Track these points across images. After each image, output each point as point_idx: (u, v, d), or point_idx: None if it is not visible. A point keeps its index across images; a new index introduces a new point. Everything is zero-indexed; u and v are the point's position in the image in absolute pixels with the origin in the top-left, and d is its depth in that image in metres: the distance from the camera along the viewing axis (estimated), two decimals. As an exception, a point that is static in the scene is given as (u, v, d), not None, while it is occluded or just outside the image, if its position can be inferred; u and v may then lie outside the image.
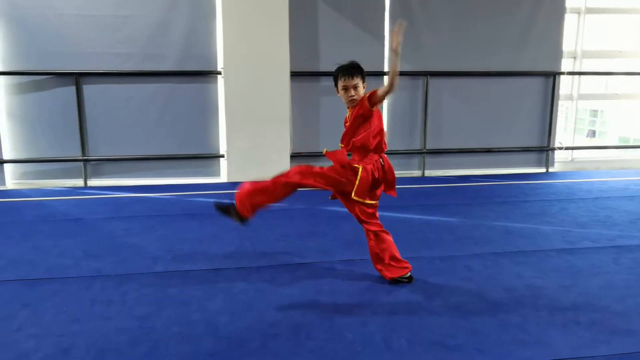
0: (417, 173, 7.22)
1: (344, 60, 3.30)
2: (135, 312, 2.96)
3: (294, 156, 6.82)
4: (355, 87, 3.19)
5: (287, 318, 2.90)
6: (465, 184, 6.58)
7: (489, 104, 7.29)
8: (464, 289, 3.31)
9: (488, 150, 7.34)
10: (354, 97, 3.19)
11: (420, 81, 7.03)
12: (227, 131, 6.46)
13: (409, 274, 3.37)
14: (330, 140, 6.89)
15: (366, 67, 6.45)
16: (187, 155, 6.66)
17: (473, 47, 7.09)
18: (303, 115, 6.88)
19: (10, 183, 6.39)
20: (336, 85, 3.29)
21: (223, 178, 6.75)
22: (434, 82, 7.06)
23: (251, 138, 6.45)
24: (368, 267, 3.64)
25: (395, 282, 3.34)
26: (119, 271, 3.58)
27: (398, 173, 7.05)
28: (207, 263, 3.76)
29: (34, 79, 6.26)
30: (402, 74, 6.87)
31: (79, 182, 6.47)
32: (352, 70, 3.19)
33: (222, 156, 6.67)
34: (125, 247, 4.11)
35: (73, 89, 6.28)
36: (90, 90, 6.37)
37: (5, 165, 6.30)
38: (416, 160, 7.25)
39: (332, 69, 3.23)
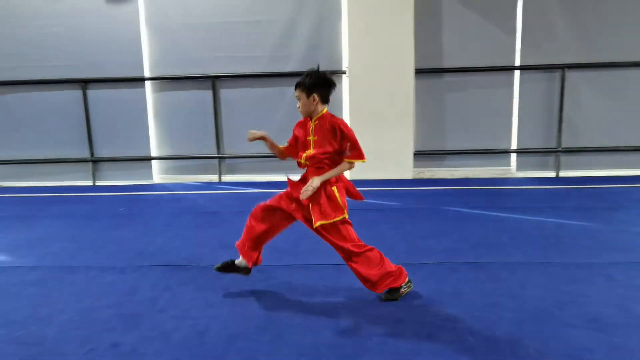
0: (551, 173, 6.75)
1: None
2: (263, 302, 3.13)
3: (418, 154, 6.73)
4: (298, 99, 3.15)
5: (408, 317, 2.88)
6: (607, 186, 6.00)
7: (635, 98, 6.58)
8: (604, 299, 3.03)
9: (635, 149, 6.64)
10: (299, 109, 3.16)
11: (556, 74, 6.54)
12: (351, 129, 6.55)
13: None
14: (456, 138, 6.70)
15: (495, 62, 6.22)
16: (312, 153, 6.88)
17: (616, 36, 6.45)
18: (427, 112, 6.75)
19: (157, 177, 7.09)
20: None
21: (346, 176, 6.85)
22: (571, 75, 6.53)
23: (375, 136, 6.48)
24: (493, 269, 3.49)
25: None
26: (248, 262, 3.81)
27: (529, 173, 6.72)
28: (330, 258, 3.85)
29: (176, 83, 6.88)
30: (534, 68, 6.48)
31: (214, 178, 6.99)
32: (297, 84, 3.11)
33: (346, 154, 6.79)
34: (254, 239, 4.35)
35: (210, 92, 6.80)
36: (225, 92, 6.85)
37: (153, 161, 7.02)
38: (550, 159, 6.77)
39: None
